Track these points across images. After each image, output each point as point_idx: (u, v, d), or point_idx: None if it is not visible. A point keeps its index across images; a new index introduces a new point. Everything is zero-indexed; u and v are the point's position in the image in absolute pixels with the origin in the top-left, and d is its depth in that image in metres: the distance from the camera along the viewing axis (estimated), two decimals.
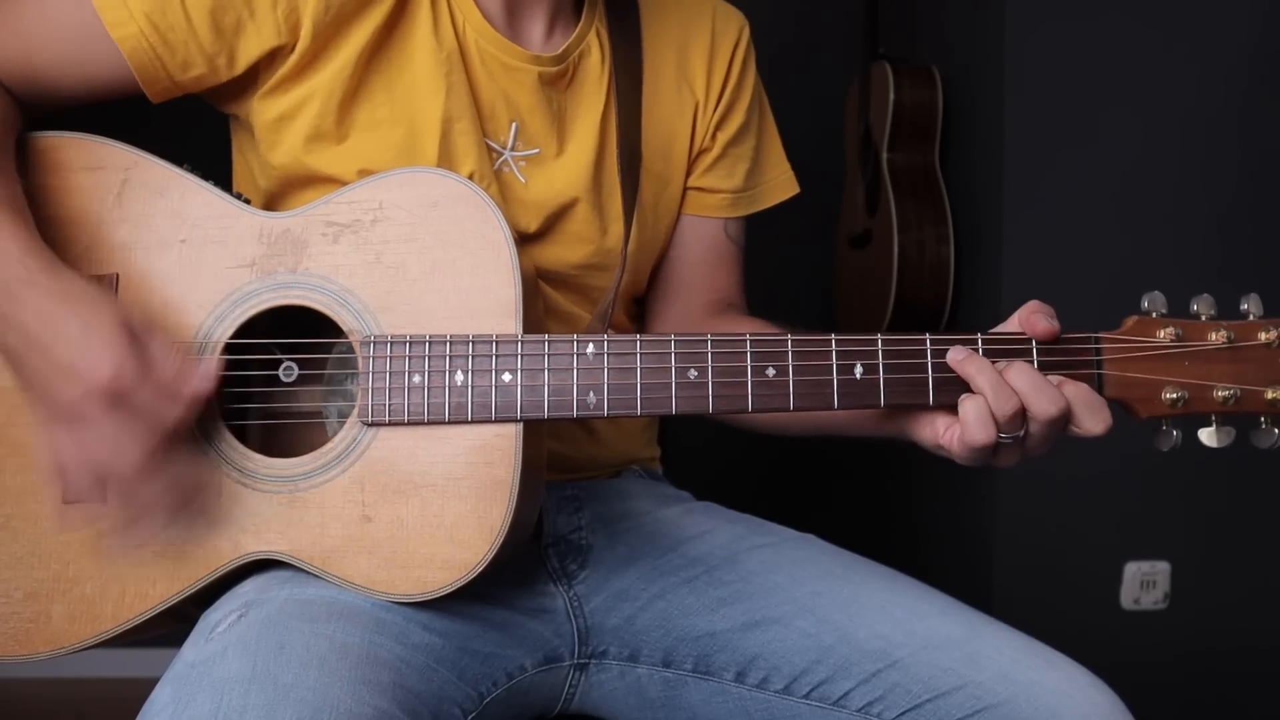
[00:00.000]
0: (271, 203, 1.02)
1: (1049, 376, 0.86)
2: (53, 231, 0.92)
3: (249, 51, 0.96)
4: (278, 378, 0.93)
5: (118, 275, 0.92)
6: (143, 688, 0.84)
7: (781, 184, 1.21)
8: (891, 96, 2.38)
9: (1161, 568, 2.19)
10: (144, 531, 0.86)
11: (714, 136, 1.14)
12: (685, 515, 1.11)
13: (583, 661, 1.02)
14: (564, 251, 1.06)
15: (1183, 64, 2.13)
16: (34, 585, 0.89)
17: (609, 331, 0.96)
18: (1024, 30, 2.15)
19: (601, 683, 1.03)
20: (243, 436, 0.92)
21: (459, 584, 0.87)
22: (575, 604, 1.03)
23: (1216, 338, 0.88)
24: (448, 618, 0.92)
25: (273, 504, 0.88)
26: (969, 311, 2.35)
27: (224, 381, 0.89)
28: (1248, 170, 2.16)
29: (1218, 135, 2.15)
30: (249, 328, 0.91)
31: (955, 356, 0.87)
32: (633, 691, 1.03)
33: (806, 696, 0.98)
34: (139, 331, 0.84)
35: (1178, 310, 0.90)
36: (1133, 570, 2.19)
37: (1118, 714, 0.91)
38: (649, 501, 1.12)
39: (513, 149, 1.03)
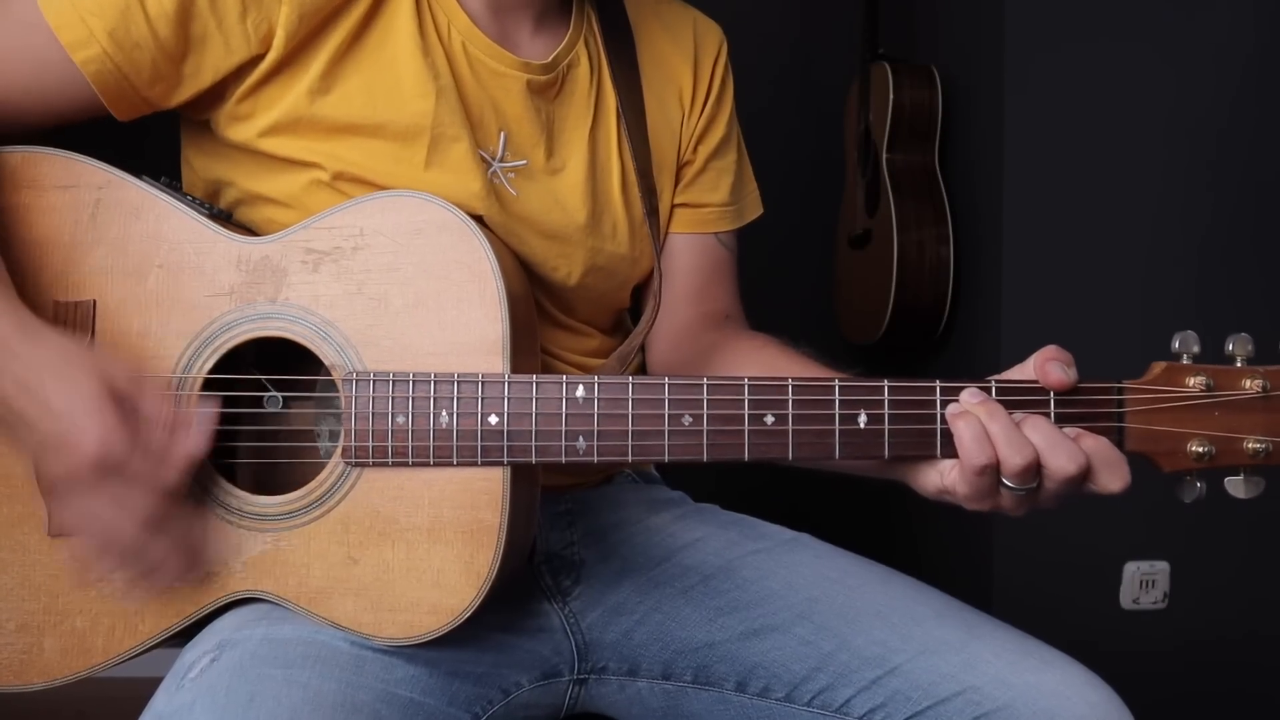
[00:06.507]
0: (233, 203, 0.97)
1: (1066, 429, 0.81)
2: (26, 254, 0.88)
3: (216, 65, 0.90)
4: (263, 406, 0.90)
5: (95, 301, 0.88)
6: (143, 688, 0.85)
7: (754, 201, 1.18)
8: (891, 96, 2.36)
9: (1161, 567, 2.18)
10: (154, 587, 0.85)
11: (695, 149, 1.11)
12: (678, 521, 1.08)
13: (582, 677, 1.01)
14: (564, 265, 1.01)
15: (1184, 62, 2.09)
16: (25, 617, 0.88)
17: (628, 368, 0.91)
18: (1024, 30, 2.12)
19: (602, 695, 1.03)
20: (232, 464, 0.89)
21: (446, 629, 0.85)
22: (571, 620, 1.01)
23: (1251, 386, 0.82)
24: (436, 646, 0.90)
25: (259, 543, 0.87)
26: (968, 312, 2.33)
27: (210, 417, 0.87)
28: (1251, 166, 2.12)
29: (1220, 132, 2.10)
30: (231, 354, 0.88)
31: (964, 403, 0.81)
32: (634, 703, 1.03)
33: (809, 704, 0.97)
34: (125, 390, 0.80)
35: (1211, 344, 0.83)
36: (1132, 570, 2.18)
37: (1113, 711, 0.90)
38: (640, 509, 1.09)
39: (501, 160, 0.97)
